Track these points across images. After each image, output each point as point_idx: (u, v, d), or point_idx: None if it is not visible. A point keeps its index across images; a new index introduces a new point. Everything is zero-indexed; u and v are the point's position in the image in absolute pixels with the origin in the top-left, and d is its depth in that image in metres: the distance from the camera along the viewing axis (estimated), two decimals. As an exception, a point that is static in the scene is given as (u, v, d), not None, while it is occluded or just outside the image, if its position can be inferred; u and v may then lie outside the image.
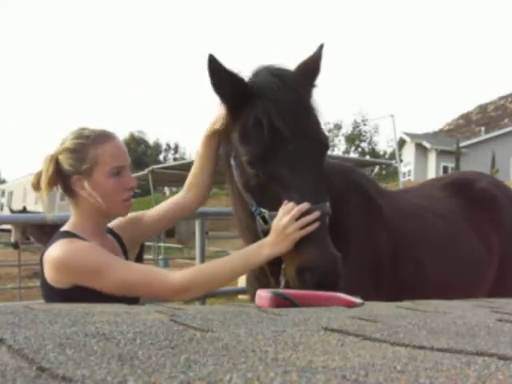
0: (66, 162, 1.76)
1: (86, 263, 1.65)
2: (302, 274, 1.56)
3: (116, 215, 1.88)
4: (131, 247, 1.99)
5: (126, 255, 1.92)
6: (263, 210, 1.70)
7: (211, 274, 1.67)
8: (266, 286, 1.99)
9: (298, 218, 1.58)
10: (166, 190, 31.20)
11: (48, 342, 0.67)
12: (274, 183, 1.67)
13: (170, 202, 2.05)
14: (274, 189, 1.67)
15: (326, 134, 1.80)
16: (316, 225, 1.58)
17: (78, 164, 1.74)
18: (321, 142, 1.74)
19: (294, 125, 1.67)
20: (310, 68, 1.84)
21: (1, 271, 11.52)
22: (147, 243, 10.52)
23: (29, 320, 0.87)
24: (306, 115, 1.72)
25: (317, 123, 1.76)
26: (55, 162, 1.77)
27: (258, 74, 1.81)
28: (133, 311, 1.04)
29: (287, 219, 1.59)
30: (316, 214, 1.58)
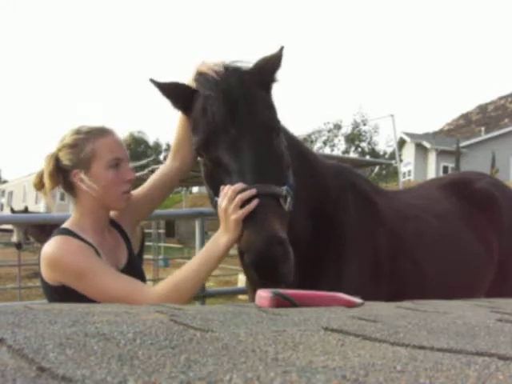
0: (65, 158, 1.80)
1: (71, 263, 1.68)
2: (243, 256, 1.55)
3: (115, 208, 1.90)
4: (132, 230, 2.02)
5: (128, 243, 1.95)
6: (218, 199, 1.70)
7: (185, 283, 1.67)
8: (266, 284, 2.00)
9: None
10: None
11: (48, 342, 0.67)
12: (219, 169, 1.70)
13: (157, 173, 2.05)
14: (219, 175, 1.70)
15: (275, 118, 1.79)
16: (255, 203, 1.55)
17: (76, 158, 1.78)
18: (264, 125, 1.72)
19: (234, 111, 1.68)
20: (269, 63, 1.85)
21: (1, 271, 11.53)
22: (147, 243, 10.51)
23: (29, 320, 0.87)
24: (249, 102, 1.72)
25: (261, 109, 1.75)
26: (55, 158, 1.81)
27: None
28: (133, 311, 1.04)
29: (225, 202, 1.58)
30: (251, 192, 1.56)
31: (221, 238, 1.64)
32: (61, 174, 1.81)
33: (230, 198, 1.57)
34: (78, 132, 1.81)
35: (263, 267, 1.49)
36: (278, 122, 1.80)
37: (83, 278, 1.66)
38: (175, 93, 1.85)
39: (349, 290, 1.37)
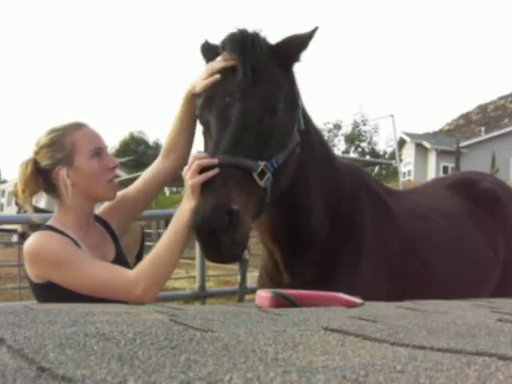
0: (45, 158, 1.77)
1: (48, 253, 1.68)
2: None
3: (103, 198, 1.88)
4: (122, 229, 2.00)
5: (115, 240, 1.93)
6: None
7: (160, 258, 1.65)
8: (278, 282, 2.00)
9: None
10: (166, 189, 31.24)
11: (48, 342, 0.67)
12: (206, 133, 1.75)
13: (149, 171, 2.03)
14: (205, 139, 1.76)
15: (276, 96, 1.75)
16: (214, 171, 1.54)
17: (57, 154, 1.76)
18: (260, 101, 1.70)
19: (235, 82, 1.69)
20: (296, 41, 1.84)
21: (1, 271, 11.51)
22: (147, 243, 10.49)
23: (29, 320, 0.87)
24: (252, 75, 1.70)
25: (264, 84, 1.72)
26: (33, 163, 1.78)
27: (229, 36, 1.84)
28: (133, 311, 1.04)
29: (185, 168, 1.61)
30: (212, 161, 1.55)
31: (184, 205, 1.63)
32: (41, 176, 1.79)
33: (189, 164, 1.58)
34: (52, 131, 1.80)
35: (204, 233, 1.47)
36: (277, 100, 1.75)
37: (61, 267, 1.66)
38: (205, 51, 1.91)
39: (364, 289, 1.37)
